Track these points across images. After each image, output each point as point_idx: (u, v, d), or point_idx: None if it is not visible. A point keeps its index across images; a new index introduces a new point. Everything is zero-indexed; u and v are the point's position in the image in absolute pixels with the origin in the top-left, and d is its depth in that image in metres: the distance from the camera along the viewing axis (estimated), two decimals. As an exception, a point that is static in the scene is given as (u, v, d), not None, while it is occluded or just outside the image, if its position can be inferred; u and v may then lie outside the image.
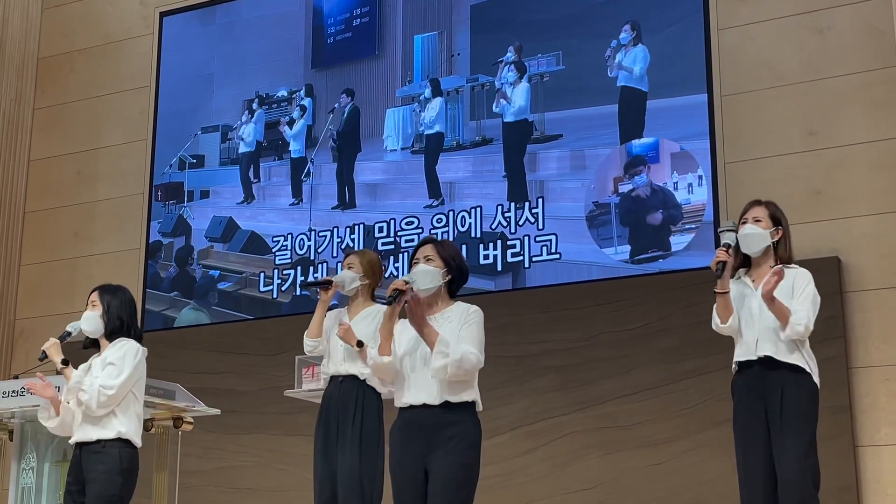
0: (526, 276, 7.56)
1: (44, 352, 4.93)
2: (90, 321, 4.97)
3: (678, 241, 7.20)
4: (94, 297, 5.04)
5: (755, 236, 4.59)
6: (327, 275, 7.69)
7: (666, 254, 7.22)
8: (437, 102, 8.16)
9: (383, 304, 5.36)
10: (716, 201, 7.13)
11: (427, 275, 4.32)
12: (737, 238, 4.64)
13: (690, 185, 7.26)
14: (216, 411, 6.25)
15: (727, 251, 4.54)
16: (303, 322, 7.76)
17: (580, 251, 7.44)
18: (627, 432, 6.95)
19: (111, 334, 4.95)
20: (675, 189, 7.29)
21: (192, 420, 6.08)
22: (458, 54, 8.18)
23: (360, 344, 5.07)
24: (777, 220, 4.64)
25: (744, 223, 4.63)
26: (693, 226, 7.19)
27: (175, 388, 5.95)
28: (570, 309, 7.28)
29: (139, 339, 4.98)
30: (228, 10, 9.15)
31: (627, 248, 7.32)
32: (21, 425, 6.00)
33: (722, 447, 6.51)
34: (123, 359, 4.85)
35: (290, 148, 8.70)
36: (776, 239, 4.61)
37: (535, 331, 7.28)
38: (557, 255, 7.48)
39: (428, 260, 4.36)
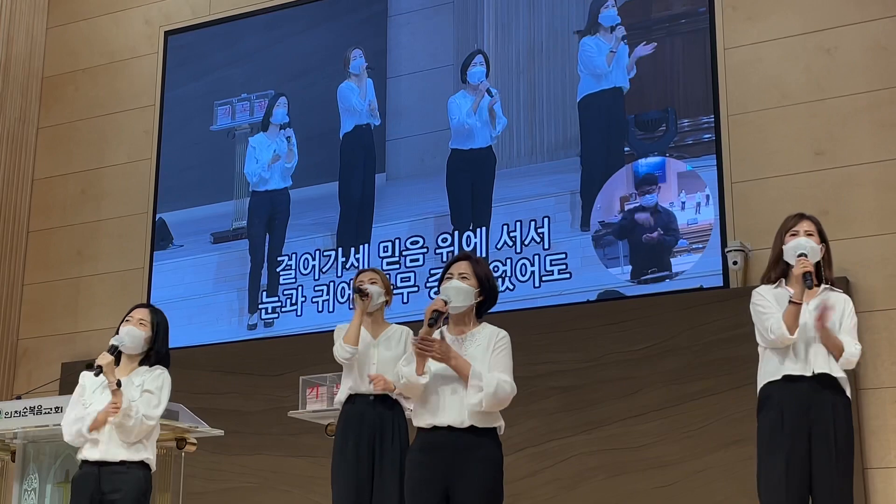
0: (533, 296, 7.52)
1: (99, 367, 4.70)
2: (135, 338, 4.82)
3: (684, 262, 7.16)
4: (145, 316, 4.89)
5: (812, 251, 4.38)
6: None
7: (670, 274, 7.17)
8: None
9: (397, 324, 5.36)
10: (722, 221, 7.10)
11: (461, 292, 4.18)
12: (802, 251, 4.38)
13: (699, 204, 7.22)
14: (220, 432, 6.20)
15: (812, 262, 4.33)
16: (305, 342, 7.77)
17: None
18: (634, 454, 6.90)
19: (153, 361, 4.88)
20: (683, 209, 7.25)
21: (195, 441, 6.02)
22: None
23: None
24: (823, 236, 4.48)
25: (794, 235, 4.43)
26: (700, 246, 7.15)
27: (179, 408, 5.89)
28: (576, 329, 7.23)
29: (168, 367, 4.93)
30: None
31: (631, 268, 7.28)
32: (23, 446, 5.95)
33: (730, 469, 6.47)
34: (161, 389, 4.82)
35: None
36: (821, 256, 4.42)
37: (542, 351, 7.23)
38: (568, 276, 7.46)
39: (463, 277, 4.22)
